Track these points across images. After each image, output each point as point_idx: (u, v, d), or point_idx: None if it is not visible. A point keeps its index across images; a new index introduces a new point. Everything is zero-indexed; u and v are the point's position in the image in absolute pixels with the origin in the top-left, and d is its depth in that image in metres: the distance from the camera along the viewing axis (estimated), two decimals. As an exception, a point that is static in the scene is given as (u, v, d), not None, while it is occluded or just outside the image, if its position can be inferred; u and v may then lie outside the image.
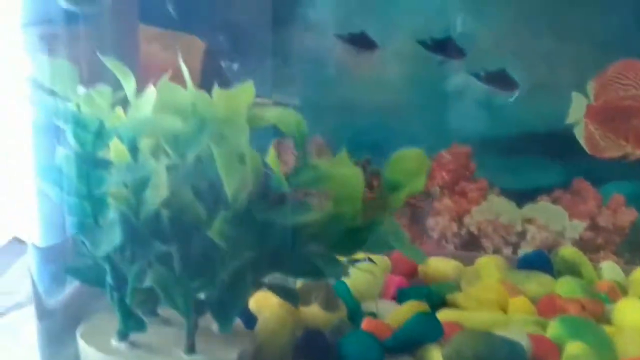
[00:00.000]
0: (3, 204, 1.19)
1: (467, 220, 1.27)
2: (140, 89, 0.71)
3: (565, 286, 1.01)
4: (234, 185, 0.61)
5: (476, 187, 1.27)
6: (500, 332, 0.76)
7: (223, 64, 1.21)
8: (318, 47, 1.22)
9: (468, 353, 0.66)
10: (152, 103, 0.64)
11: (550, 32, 1.20)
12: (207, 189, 0.66)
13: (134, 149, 0.62)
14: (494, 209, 1.26)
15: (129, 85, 0.75)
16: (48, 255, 0.82)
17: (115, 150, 0.61)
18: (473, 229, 1.26)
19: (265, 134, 0.73)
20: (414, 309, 0.86)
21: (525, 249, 1.24)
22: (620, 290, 1.03)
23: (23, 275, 1.11)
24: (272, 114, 0.65)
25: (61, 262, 0.76)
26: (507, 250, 1.25)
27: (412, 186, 0.65)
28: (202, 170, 0.67)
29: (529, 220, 1.26)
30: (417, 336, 0.73)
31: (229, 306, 0.62)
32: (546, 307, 0.93)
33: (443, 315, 0.85)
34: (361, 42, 1.20)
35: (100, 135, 0.62)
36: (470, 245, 1.27)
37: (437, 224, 1.26)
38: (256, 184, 0.65)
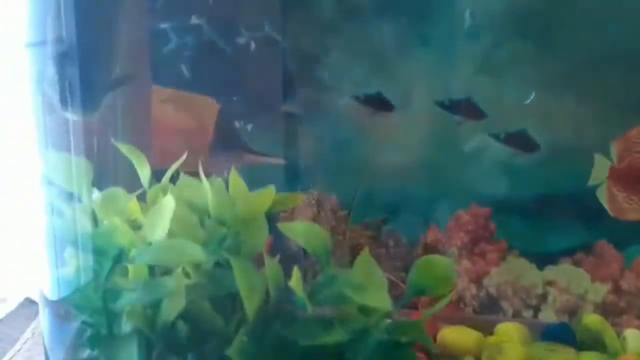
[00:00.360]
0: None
1: (486, 282, 1.24)
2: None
3: (591, 363, 0.98)
4: (254, 303, 0.59)
5: (496, 248, 1.24)
6: None
7: (237, 124, 1.20)
8: (334, 108, 1.20)
9: None
10: (169, 215, 0.62)
11: (573, 91, 1.18)
12: (224, 298, 0.64)
13: (151, 268, 0.60)
14: (514, 271, 1.23)
15: (144, 172, 0.74)
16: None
17: (133, 270, 0.59)
18: (492, 290, 1.23)
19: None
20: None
21: (546, 312, 1.21)
22: (647, 364, 1.00)
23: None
24: (299, 230, 0.63)
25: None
26: (527, 313, 1.22)
27: (438, 293, 0.63)
28: (220, 278, 0.65)
29: (550, 283, 1.22)
30: None
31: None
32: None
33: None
34: (377, 102, 1.18)
35: (119, 260, 0.60)
36: (489, 308, 1.24)
37: (455, 285, 1.23)
38: (275, 296, 0.62)
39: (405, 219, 1.25)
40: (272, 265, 0.63)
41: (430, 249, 1.25)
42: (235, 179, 0.69)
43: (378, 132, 1.20)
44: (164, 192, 0.68)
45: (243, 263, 0.59)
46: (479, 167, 1.19)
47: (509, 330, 1.10)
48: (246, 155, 1.16)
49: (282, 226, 0.62)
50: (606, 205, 1.18)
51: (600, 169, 1.17)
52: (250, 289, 0.57)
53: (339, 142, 1.23)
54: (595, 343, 1.07)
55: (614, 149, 1.17)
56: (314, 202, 1.19)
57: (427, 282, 0.64)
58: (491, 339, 1.07)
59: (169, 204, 0.63)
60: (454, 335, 1.05)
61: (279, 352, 0.58)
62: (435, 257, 0.65)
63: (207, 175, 0.71)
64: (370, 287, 0.60)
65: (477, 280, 1.25)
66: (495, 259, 1.24)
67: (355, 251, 1.30)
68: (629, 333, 1.12)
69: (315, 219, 1.20)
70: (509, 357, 0.99)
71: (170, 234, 0.65)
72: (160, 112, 1.17)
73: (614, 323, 1.23)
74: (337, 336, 0.57)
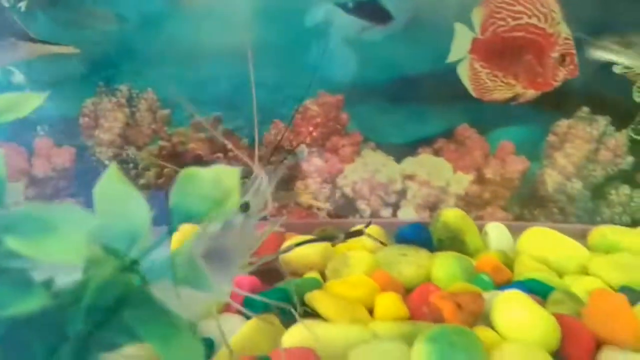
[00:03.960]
0: None
1: (340, 181, 1.10)
2: None
3: (444, 268, 0.87)
4: None
5: (349, 142, 1.09)
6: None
7: (6, 3, 0.91)
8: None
9: None
10: None
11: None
12: None
13: None
14: (370, 166, 1.09)
15: None
16: None
17: None
18: (348, 190, 1.10)
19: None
20: (254, 332, 0.69)
21: (406, 209, 1.10)
22: (508, 264, 0.91)
23: None
24: None
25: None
26: (386, 212, 1.11)
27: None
28: None
29: (409, 177, 1.11)
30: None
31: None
32: (418, 302, 0.79)
33: (292, 336, 0.69)
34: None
35: None
36: (345, 209, 1.12)
37: (307, 187, 1.08)
38: None
39: (243, 116, 1.06)
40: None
41: (274, 148, 1.08)
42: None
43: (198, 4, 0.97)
44: None
45: None
46: (325, 45, 1.01)
47: (364, 242, 0.97)
48: (23, 45, 0.89)
49: None
50: (468, 85, 1.05)
51: (462, 42, 1.03)
52: None
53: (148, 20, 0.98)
54: (454, 242, 0.97)
55: (476, 17, 1.02)
56: (124, 100, 0.95)
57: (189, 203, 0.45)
58: (340, 247, 0.94)
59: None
60: (298, 252, 0.91)
61: None
62: (194, 170, 0.46)
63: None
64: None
65: (331, 180, 1.10)
66: (349, 155, 1.09)
67: (182, 158, 1.11)
68: (491, 227, 1.02)
69: (128, 123, 0.97)
70: (354, 269, 0.87)
71: None
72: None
73: (477, 216, 1.15)
74: (34, 302, 0.38)
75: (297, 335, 0.69)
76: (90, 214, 0.43)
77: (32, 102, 0.54)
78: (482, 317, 0.77)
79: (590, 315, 0.75)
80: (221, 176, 0.49)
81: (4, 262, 0.38)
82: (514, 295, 0.77)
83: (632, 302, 0.75)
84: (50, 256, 0.37)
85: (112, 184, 0.47)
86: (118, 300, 0.45)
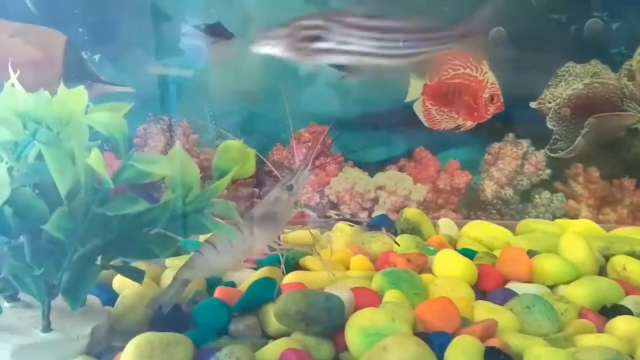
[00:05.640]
0: None
1: (327, 190, 1.41)
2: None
3: (402, 244, 1.16)
4: (65, 184, 0.67)
5: (333, 161, 1.41)
6: (331, 288, 0.89)
7: (85, 55, 1.26)
8: (177, 37, 1.29)
9: (292, 310, 0.78)
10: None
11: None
12: (49, 187, 0.72)
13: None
14: (350, 180, 1.41)
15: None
16: None
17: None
18: (333, 198, 1.41)
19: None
20: (264, 274, 0.98)
21: (379, 212, 1.41)
22: (452, 243, 1.21)
23: None
24: (97, 118, 0.71)
25: None
26: (364, 215, 1.41)
27: (239, 172, 0.76)
28: (43, 170, 0.72)
29: (380, 188, 1.42)
30: (256, 299, 0.85)
31: (75, 288, 0.71)
32: (382, 263, 1.08)
33: (290, 278, 0.98)
34: (218, 32, 1.28)
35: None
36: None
37: (302, 195, 1.39)
38: (89, 182, 0.70)
39: (254, 140, 1.38)
40: (85, 154, 0.70)
41: (276, 165, 1.40)
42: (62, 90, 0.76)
43: (220, 60, 1.30)
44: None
45: (54, 151, 0.67)
46: (315, 89, 1.33)
47: (344, 227, 1.27)
48: (96, 85, 1.23)
49: (83, 119, 0.70)
50: (422, 118, 1.37)
51: (416, 88, 1.36)
52: (60, 172, 0.65)
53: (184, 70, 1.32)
54: (413, 231, 1.27)
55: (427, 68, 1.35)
56: (166, 127, 1.29)
57: (226, 164, 0.76)
58: (325, 235, 1.24)
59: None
60: (296, 234, 1.21)
61: (93, 225, 0.68)
62: (232, 143, 0.78)
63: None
64: (159, 162, 0.70)
65: (320, 190, 1.42)
66: (333, 171, 1.41)
67: (208, 171, 1.42)
68: (442, 222, 1.33)
69: (169, 144, 1.30)
70: (338, 244, 1.16)
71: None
72: (9, 47, 1.20)
73: (434, 217, 1.45)
74: (137, 207, 0.68)
75: (292, 277, 0.98)
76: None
77: (124, 108, 0.82)
78: (427, 271, 1.07)
79: (501, 263, 1.05)
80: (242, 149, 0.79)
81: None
82: (446, 252, 1.07)
83: (531, 256, 1.06)
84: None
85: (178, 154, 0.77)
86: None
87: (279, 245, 0.94)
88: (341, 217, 1.26)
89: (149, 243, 0.71)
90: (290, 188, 0.91)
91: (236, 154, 0.76)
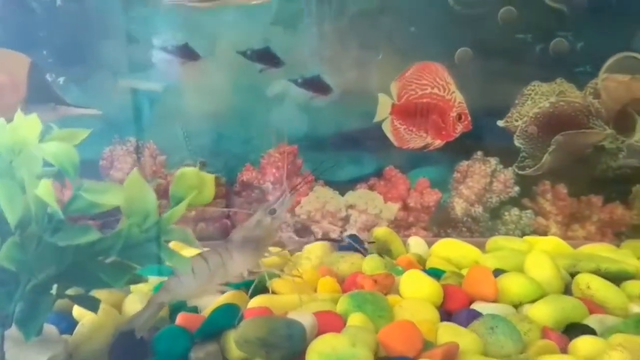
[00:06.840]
0: None
1: (298, 210, 1.41)
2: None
3: (371, 264, 1.17)
4: (15, 214, 0.66)
5: (304, 180, 1.40)
6: (294, 313, 0.89)
7: (49, 78, 1.25)
8: (143, 58, 1.29)
9: (251, 336, 0.77)
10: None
11: (356, 42, 1.36)
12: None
13: None
14: (320, 199, 1.41)
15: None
16: None
17: None
18: (304, 217, 1.41)
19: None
20: (228, 299, 0.97)
21: (350, 231, 1.41)
22: (421, 262, 1.21)
23: None
24: (47, 148, 0.70)
25: None
26: (334, 234, 1.41)
27: (197, 199, 0.76)
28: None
29: (351, 206, 1.43)
30: (217, 324, 0.84)
31: (29, 318, 0.70)
32: (349, 284, 1.08)
33: (256, 301, 0.98)
34: (185, 53, 1.28)
35: None
36: (303, 232, 1.42)
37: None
38: (39, 211, 0.69)
39: (222, 161, 1.38)
40: (36, 183, 0.69)
41: (246, 185, 1.40)
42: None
43: (187, 81, 1.31)
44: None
45: (4, 180, 0.66)
46: (283, 109, 1.34)
47: (314, 249, 1.27)
48: (61, 108, 1.22)
49: (34, 148, 0.69)
50: (391, 137, 1.38)
51: (384, 107, 1.37)
52: (10, 202, 0.65)
53: (150, 91, 1.32)
54: (383, 250, 1.27)
55: (394, 88, 1.36)
56: (132, 149, 1.28)
57: (182, 190, 0.76)
58: (294, 256, 1.24)
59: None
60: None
61: (45, 254, 0.67)
62: (188, 169, 0.77)
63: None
64: (109, 190, 0.69)
65: (291, 210, 1.41)
66: (304, 190, 1.41)
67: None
68: (412, 240, 1.34)
69: (135, 165, 1.29)
70: (306, 265, 1.16)
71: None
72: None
73: (405, 235, 1.46)
74: (89, 236, 0.67)
75: (257, 301, 0.98)
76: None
77: (80, 135, 0.81)
78: (394, 291, 1.07)
79: (466, 282, 1.06)
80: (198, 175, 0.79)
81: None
82: (412, 273, 1.08)
83: (498, 275, 1.07)
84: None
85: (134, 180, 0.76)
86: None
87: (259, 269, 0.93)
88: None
89: (101, 272, 0.70)
90: (272, 212, 0.91)
91: (193, 181, 0.76)
